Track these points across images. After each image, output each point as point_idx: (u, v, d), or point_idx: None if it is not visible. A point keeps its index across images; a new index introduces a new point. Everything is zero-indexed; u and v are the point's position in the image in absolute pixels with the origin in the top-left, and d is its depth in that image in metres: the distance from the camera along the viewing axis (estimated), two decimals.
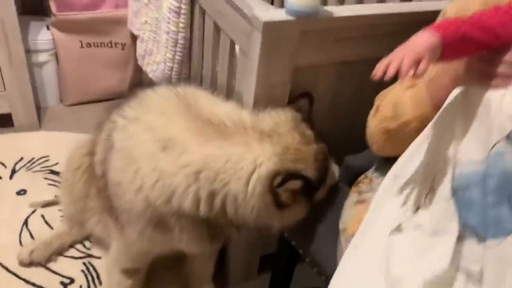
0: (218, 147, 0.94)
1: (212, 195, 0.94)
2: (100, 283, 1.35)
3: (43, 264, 1.37)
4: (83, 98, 2.12)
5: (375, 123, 0.96)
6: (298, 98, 1.07)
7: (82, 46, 2.00)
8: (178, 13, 1.34)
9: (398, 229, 0.72)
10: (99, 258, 1.42)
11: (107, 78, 2.10)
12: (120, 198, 1.03)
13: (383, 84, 1.03)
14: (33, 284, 1.32)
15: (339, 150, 1.10)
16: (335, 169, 1.14)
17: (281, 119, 1.00)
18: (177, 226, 1.00)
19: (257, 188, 0.92)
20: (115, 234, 1.15)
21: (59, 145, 1.82)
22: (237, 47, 1.12)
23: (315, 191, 1.00)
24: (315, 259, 1.01)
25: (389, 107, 0.92)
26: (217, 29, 1.20)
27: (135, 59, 1.96)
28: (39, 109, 2.02)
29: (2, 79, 1.78)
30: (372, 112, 1.02)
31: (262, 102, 1.03)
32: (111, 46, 2.05)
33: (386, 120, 0.92)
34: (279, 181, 0.91)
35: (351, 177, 1.12)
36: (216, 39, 1.22)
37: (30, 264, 1.36)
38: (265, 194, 0.93)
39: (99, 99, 2.11)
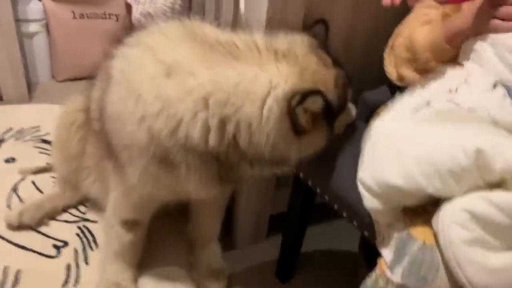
0: (228, 69, 0.85)
1: (223, 123, 0.85)
2: (97, 245, 1.25)
3: (33, 227, 1.27)
4: (76, 73, 2.03)
5: (393, 65, 0.99)
6: (313, 25, 1.00)
7: (75, 17, 1.92)
8: None
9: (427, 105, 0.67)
10: (95, 222, 1.32)
11: (101, 52, 2.01)
12: (120, 133, 0.93)
13: (399, 19, 0.99)
14: (23, 247, 1.21)
15: (354, 87, 1.02)
16: (351, 108, 1.06)
17: (297, 41, 0.92)
18: (183, 164, 0.90)
19: (273, 111, 0.84)
20: (114, 180, 1.05)
21: (50, 116, 1.70)
22: None
23: (335, 118, 0.92)
24: (335, 194, 0.92)
25: (404, 49, 0.95)
26: None
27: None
28: (29, 85, 1.93)
29: None
30: (387, 51, 1.01)
31: (275, 27, 0.95)
32: (105, 17, 1.97)
33: (405, 61, 0.95)
34: (298, 99, 0.82)
35: (368, 114, 1.05)
36: None
37: (19, 227, 1.25)
38: (282, 118, 0.84)
39: (92, 76, 2.02)
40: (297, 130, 0.86)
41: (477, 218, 0.57)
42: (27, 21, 1.85)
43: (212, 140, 0.86)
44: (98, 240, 1.26)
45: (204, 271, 1.19)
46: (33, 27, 1.88)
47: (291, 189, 1.12)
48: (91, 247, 1.24)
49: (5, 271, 1.14)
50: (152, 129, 0.87)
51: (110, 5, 1.95)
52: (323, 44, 0.97)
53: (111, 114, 0.95)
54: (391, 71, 1.01)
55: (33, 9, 1.85)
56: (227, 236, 1.30)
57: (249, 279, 1.24)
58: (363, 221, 0.85)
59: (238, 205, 1.26)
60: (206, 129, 0.86)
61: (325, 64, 0.91)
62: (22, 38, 1.85)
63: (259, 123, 0.84)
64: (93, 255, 1.22)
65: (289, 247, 1.23)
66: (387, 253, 0.65)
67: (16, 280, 1.12)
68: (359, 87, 1.05)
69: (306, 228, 1.21)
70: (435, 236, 0.59)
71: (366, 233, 0.87)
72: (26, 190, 1.39)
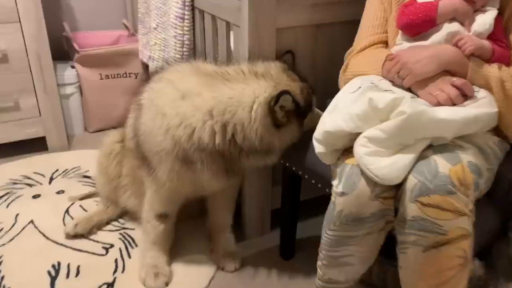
0: (224, 88, 1.22)
1: (224, 127, 1.21)
2: (136, 245, 1.57)
3: (85, 236, 1.60)
4: (105, 125, 2.43)
5: (344, 80, 1.25)
6: (283, 55, 1.38)
7: (101, 78, 2.35)
8: (182, 18, 1.68)
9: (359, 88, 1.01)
10: (133, 229, 1.65)
11: (124, 105, 2.42)
12: (152, 143, 1.28)
13: (351, 44, 1.35)
14: (79, 250, 1.54)
15: (319, 97, 1.38)
16: (319, 112, 1.41)
17: (272, 66, 1.29)
18: (199, 161, 1.25)
19: (258, 112, 1.19)
20: (148, 181, 1.40)
21: (87, 158, 2.10)
22: (231, 34, 1.45)
23: (304, 116, 1.27)
24: (311, 170, 1.25)
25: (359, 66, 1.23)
26: (214, 19, 1.54)
27: None
28: (67, 137, 2.32)
29: (38, 105, 2.10)
30: (342, 69, 1.32)
31: (255, 58, 1.33)
32: (126, 76, 2.40)
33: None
34: (274, 100, 1.18)
35: None
36: (214, 27, 1.56)
37: (75, 236, 1.59)
38: (265, 117, 1.19)
39: (118, 125, 2.41)
40: (277, 124, 1.21)
41: (370, 139, 0.90)
42: (64, 85, 2.28)
43: (218, 140, 1.21)
44: (136, 241, 1.58)
45: (221, 254, 1.50)
46: (69, 89, 2.30)
47: (282, 179, 1.45)
48: (131, 246, 1.56)
49: (68, 266, 1.46)
50: (174, 137, 1.23)
51: (129, 66, 2.38)
52: (291, 67, 1.35)
53: (144, 131, 1.31)
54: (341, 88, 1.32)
55: (69, 75, 2.28)
56: (239, 230, 1.61)
57: (258, 259, 1.54)
58: (331, 184, 1.17)
59: (245, 202, 1.59)
60: (213, 133, 1.21)
61: (293, 79, 1.28)
62: (61, 99, 2.27)
63: (249, 123, 1.20)
64: (133, 251, 1.54)
65: (287, 232, 1.54)
66: (335, 181, 0.97)
67: (78, 272, 1.44)
68: (323, 96, 1.40)
69: (297, 215, 1.52)
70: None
71: None
72: (76, 212, 1.74)
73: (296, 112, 1.23)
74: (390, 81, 1.06)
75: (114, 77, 2.38)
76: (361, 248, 0.96)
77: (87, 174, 2.00)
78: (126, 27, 2.53)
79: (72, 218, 1.70)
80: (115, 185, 1.63)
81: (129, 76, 2.40)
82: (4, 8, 1.88)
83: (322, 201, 1.64)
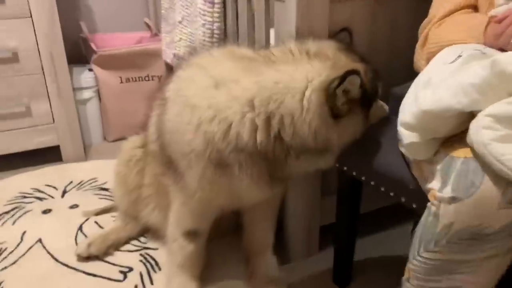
0: (267, 71, 0.98)
1: (268, 119, 0.96)
2: (159, 268, 1.31)
3: (100, 257, 1.35)
4: (125, 133, 2.17)
5: (425, 59, 1.00)
6: (338, 33, 1.13)
7: (122, 82, 2.14)
8: (212, 3, 1.45)
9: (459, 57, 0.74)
10: (156, 249, 1.40)
11: (146, 111, 2.19)
12: (180, 143, 1.04)
13: (417, 22, 1.09)
14: (93, 275, 1.29)
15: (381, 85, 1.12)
16: (384, 104, 1.14)
17: (325, 44, 1.04)
18: (236, 164, 1.00)
19: (312, 100, 0.94)
20: (175, 191, 1.15)
21: (105, 169, 1.87)
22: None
23: (369, 104, 1.01)
24: (380, 174, 0.98)
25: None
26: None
27: None
28: (84, 146, 2.10)
29: (52, 111, 1.89)
30: (419, 43, 1.05)
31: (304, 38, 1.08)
32: (149, 79, 2.18)
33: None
34: (337, 82, 0.91)
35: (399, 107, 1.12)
36: (250, 9, 1.32)
37: (88, 258, 1.35)
38: (320, 106, 0.94)
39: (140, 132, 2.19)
40: (335, 114, 0.95)
41: (499, 118, 0.64)
42: (81, 89, 2.07)
43: (260, 137, 0.96)
44: (160, 264, 1.33)
45: (262, 280, 1.23)
46: (86, 94, 2.09)
47: (337, 187, 1.18)
48: (154, 270, 1.31)
49: None
50: (207, 134, 0.98)
51: (151, 68, 2.17)
52: (349, 46, 1.10)
53: (170, 129, 1.06)
54: (421, 65, 1.02)
55: (86, 78, 2.08)
56: (281, 251, 1.35)
57: (307, 286, 1.26)
58: (410, 191, 0.90)
59: (288, 217, 1.32)
60: (254, 128, 0.96)
61: (353, 60, 1.02)
62: (78, 105, 2.06)
63: (300, 114, 0.94)
64: (157, 276, 1.29)
65: (343, 255, 1.26)
66: (435, 184, 0.70)
67: None
68: (385, 86, 1.14)
69: (356, 232, 1.25)
70: (472, 150, 0.66)
71: (414, 205, 0.92)
72: (91, 229, 1.50)
73: (362, 99, 0.97)
74: (500, 49, 0.79)
75: (136, 80, 2.17)
76: (475, 278, 0.68)
77: (104, 186, 1.77)
78: (148, 27, 2.33)
79: (85, 236, 1.46)
80: (135, 197, 1.39)
81: (152, 79, 2.19)
82: (14, 1, 1.69)
83: (384, 213, 1.38)
